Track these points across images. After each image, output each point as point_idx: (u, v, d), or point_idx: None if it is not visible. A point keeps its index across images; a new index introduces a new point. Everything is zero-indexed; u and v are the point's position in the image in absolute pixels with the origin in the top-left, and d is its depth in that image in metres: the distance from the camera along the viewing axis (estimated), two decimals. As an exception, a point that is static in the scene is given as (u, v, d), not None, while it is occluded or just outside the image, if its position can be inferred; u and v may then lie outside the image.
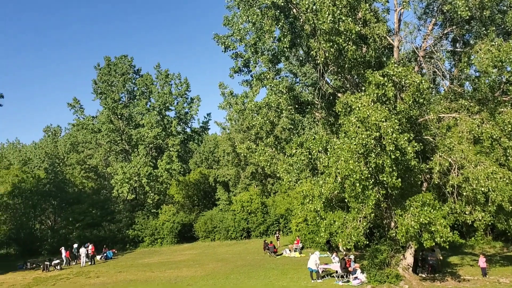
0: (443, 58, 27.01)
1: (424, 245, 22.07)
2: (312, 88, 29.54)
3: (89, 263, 44.05)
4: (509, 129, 22.96)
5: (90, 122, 62.86)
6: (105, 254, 47.67)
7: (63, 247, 46.36)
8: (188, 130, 70.09)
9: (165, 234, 56.18)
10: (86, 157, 72.35)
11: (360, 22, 23.80)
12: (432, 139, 24.45)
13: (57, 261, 42.77)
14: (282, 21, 25.03)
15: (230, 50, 29.15)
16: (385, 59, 25.89)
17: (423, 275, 27.33)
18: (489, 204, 21.90)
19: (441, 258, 28.96)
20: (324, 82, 27.09)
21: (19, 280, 37.22)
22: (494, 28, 24.18)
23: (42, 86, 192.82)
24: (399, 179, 20.69)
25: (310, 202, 24.34)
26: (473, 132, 23.07)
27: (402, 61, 26.12)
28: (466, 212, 22.98)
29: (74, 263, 45.33)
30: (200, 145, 69.93)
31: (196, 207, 63.02)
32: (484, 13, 23.41)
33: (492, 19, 25.03)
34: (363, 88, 23.34)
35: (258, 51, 27.84)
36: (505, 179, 21.27)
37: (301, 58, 29.94)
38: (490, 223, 23.73)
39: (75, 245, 47.53)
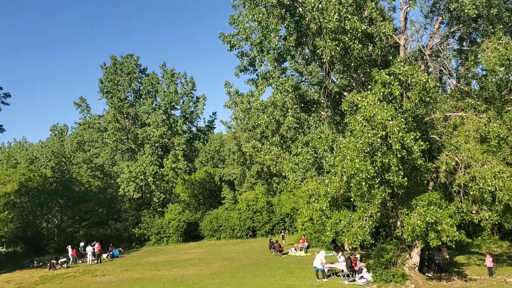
0: (449, 56, 26.87)
1: (430, 244, 21.98)
2: (318, 87, 29.49)
3: (96, 261, 44.25)
4: (516, 127, 22.83)
5: (96, 121, 63.05)
6: (111, 253, 47.90)
7: (69, 246, 46.61)
8: (193, 129, 70.16)
9: (171, 232, 56.34)
10: (92, 156, 72.69)
11: (366, 21, 23.72)
12: (438, 138, 24.34)
13: (64, 259, 42.99)
14: (288, 19, 24.98)
15: (235, 49, 29.20)
16: (391, 57, 25.79)
17: (429, 275, 27.22)
18: (496, 203, 21.80)
19: (447, 257, 28.83)
20: (330, 80, 27.03)
21: (26, 278, 37.47)
22: (501, 26, 24.00)
23: (48, 85, 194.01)
24: (405, 178, 20.61)
25: (316, 201, 24.32)
26: (480, 131, 22.96)
27: (408, 60, 26.01)
28: (473, 211, 22.88)
29: (80, 262, 45.53)
30: (206, 144, 70.00)
31: (201, 206, 63.14)
32: (491, 11, 23.25)
33: (500, 17, 24.85)
34: (369, 86, 23.27)
35: (264, 50, 27.83)
36: (512, 178, 21.15)
37: (307, 57, 29.88)
38: (497, 223, 23.62)
39: (82, 244, 47.74)
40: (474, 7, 21.87)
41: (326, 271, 28.44)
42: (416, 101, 21.71)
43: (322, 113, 28.89)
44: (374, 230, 23.64)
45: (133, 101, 65.05)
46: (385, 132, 20.17)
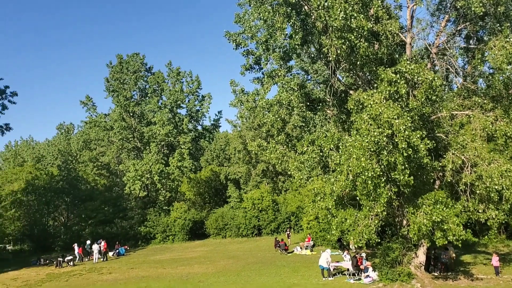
0: (456, 55, 26.73)
1: (437, 243, 21.89)
2: (324, 85, 29.42)
3: (102, 259, 44.45)
4: (524, 126, 22.66)
5: (102, 119, 63.28)
6: (117, 251, 48.11)
7: (76, 244, 46.85)
8: (199, 127, 70.28)
9: (176, 231, 56.52)
10: (98, 154, 72.98)
11: (372, 19, 23.64)
12: (445, 137, 24.24)
13: (70, 257, 43.23)
14: (294, 18, 24.95)
15: (241, 48, 29.12)
16: (397, 56, 25.71)
17: (436, 274, 27.11)
18: (503, 202, 21.68)
19: (454, 256, 28.70)
20: (336, 79, 26.97)
21: (33, 276, 37.70)
22: (508, 24, 23.81)
23: (55, 84, 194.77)
24: (411, 177, 20.55)
25: (322, 199, 24.27)
26: (486, 129, 22.83)
27: (414, 58, 25.92)
28: (479, 210, 22.78)
29: (86, 260, 45.79)
30: (211, 143, 70.09)
31: (207, 204, 63.27)
32: (499, 9, 23.11)
33: (507, 15, 24.66)
34: (375, 85, 23.19)
35: (270, 48, 27.78)
36: (519, 177, 21.02)
37: (312, 55, 29.82)
38: (503, 222, 23.48)
39: (88, 242, 47.98)
40: (481, 4, 21.75)
41: (331, 269, 28.40)
42: (423, 99, 21.63)
43: (328, 111, 28.84)
44: (380, 229, 23.59)
45: (139, 100, 65.19)
46: (391, 130, 20.12)
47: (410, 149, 20.08)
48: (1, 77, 46.79)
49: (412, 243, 25.35)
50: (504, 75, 23.11)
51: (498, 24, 24.61)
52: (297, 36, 25.02)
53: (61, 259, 42.29)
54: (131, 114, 62.99)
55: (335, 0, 21.61)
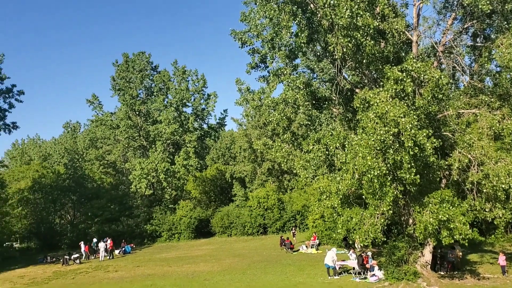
0: (463, 53, 26.60)
1: (443, 242, 21.81)
2: (330, 84, 29.34)
3: (108, 257, 44.63)
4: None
5: (108, 118, 63.50)
6: (123, 249, 48.27)
7: (82, 242, 47.07)
8: (205, 126, 70.35)
9: (182, 229, 56.63)
10: (104, 152, 73.27)
11: (378, 17, 23.58)
12: (451, 135, 24.14)
13: (77, 255, 43.44)
14: (300, 16, 24.89)
15: (247, 46, 29.07)
16: (403, 54, 25.60)
17: (442, 273, 27.02)
18: (510, 201, 21.62)
19: (460, 255, 28.58)
20: (341, 77, 26.90)
21: (40, 274, 37.92)
22: (516, 22, 23.73)
23: (61, 83, 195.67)
24: (418, 176, 20.49)
25: (327, 198, 24.26)
26: (493, 128, 22.72)
27: (421, 56, 25.81)
28: (486, 209, 22.70)
29: (93, 257, 45.99)
30: (217, 141, 70.14)
31: (212, 202, 63.34)
32: (506, 7, 23.00)
33: (515, 13, 24.53)
34: (381, 83, 23.12)
35: (275, 46, 27.72)
36: (526, 176, 20.90)
37: (318, 54, 29.75)
38: (510, 221, 23.38)
39: (94, 240, 48.19)
40: (488, 2, 21.65)
41: (337, 268, 28.36)
42: (429, 98, 21.55)
43: (334, 110, 28.77)
44: (385, 227, 23.52)
45: (145, 99, 65.33)
46: (398, 129, 20.06)
47: (416, 148, 20.01)
48: (8, 76, 47.01)
49: (418, 242, 25.28)
50: (511, 73, 22.98)
51: (506, 22, 24.47)
52: (303, 35, 24.99)
53: (67, 257, 42.49)
54: (137, 113, 63.17)
55: (341, -2, 21.55)
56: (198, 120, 67.12)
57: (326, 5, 22.56)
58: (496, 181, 21.17)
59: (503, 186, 21.02)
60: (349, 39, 22.31)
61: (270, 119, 28.58)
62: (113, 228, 56.84)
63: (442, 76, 21.38)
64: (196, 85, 66.17)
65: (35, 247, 59.78)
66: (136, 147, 65.67)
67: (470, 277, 25.98)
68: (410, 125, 19.89)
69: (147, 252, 48.23)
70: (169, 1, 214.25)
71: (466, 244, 21.56)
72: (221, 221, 55.84)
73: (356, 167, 21.20)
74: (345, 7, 21.32)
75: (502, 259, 26.06)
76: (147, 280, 31.28)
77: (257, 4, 27.12)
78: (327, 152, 25.83)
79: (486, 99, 24.53)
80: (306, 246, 39.93)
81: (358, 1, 21.43)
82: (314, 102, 28.00)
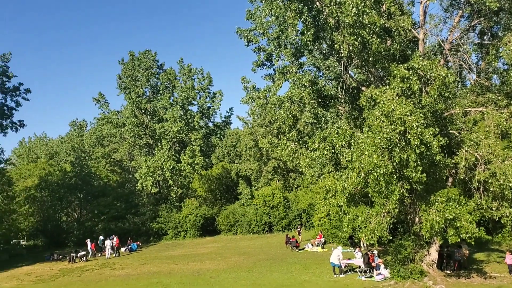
0: (469, 51, 26.44)
1: (449, 241, 21.73)
2: (336, 82, 29.27)
3: (114, 255, 44.82)
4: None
5: (114, 116, 63.70)
6: (129, 246, 48.50)
7: (88, 239, 47.32)
8: (210, 124, 70.37)
9: (188, 227, 56.79)
10: (111, 151, 73.52)
11: (385, 15, 23.48)
12: (458, 134, 24.02)
13: (83, 252, 43.66)
14: (305, 14, 24.81)
15: (252, 44, 29.05)
16: (410, 52, 25.47)
17: (448, 271, 26.92)
18: (517, 200, 21.44)
19: (467, 254, 28.43)
20: (347, 75, 26.83)
21: (46, 271, 38.15)
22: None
23: (68, 81, 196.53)
24: (424, 174, 20.40)
25: (333, 197, 24.20)
26: (500, 126, 22.58)
27: (427, 54, 25.67)
28: (493, 208, 22.58)
29: (99, 255, 46.19)
30: (222, 140, 70.20)
31: (218, 201, 63.45)
32: (514, 4, 22.83)
33: (523, 11, 24.36)
34: (387, 81, 23.02)
35: (281, 44, 27.67)
36: (533, 174, 20.76)
37: (324, 52, 29.67)
38: (517, 219, 23.21)
39: (101, 237, 48.41)
40: (496, 0, 21.46)
41: (343, 267, 28.31)
42: (435, 96, 21.45)
43: (340, 108, 28.71)
44: (391, 226, 23.47)
45: (151, 97, 65.45)
46: (404, 127, 19.98)
47: (423, 146, 19.94)
48: (15, 74, 47.24)
49: (424, 240, 25.18)
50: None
51: (513, 20, 24.31)
52: (308, 33, 24.91)
53: (74, 254, 42.72)
54: (143, 111, 63.34)
55: (347, -4, 21.47)
56: (203, 118, 67.17)
57: (332, 3, 22.49)
58: (503, 179, 21.04)
59: (510, 184, 20.87)
60: (355, 37, 22.24)
61: (276, 117, 28.56)
62: (119, 225, 57.10)
63: (449, 74, 21.28)
64: (201, 84, 66.21)
65: (42, 244, 60.16)
66: (142, 145, 65.86)
67: (476, 276, 25.88)
68: (417, 123, 19.80)
69: (153, 250, 48.40)
70: (176, 0, 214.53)
71: (473, 242, 21.47)
72: (227, 219, 55.93)
73: (362, 165, 21.14)
74: (351, 5, 21.25)
75: (509, 258, 25.92)
76: (153, 277, 31.39)
77: (263, 2, 27.08)
78: (333, 151, 25.77)
79: (493, 97, 24.39)
80: (312, 245, 39.91)
81: (364, -1, 21.35)
82: (320, 100, 27.94)
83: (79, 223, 62.85)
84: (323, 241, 39.98)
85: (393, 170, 20.54)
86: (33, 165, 68.90)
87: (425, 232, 21.67)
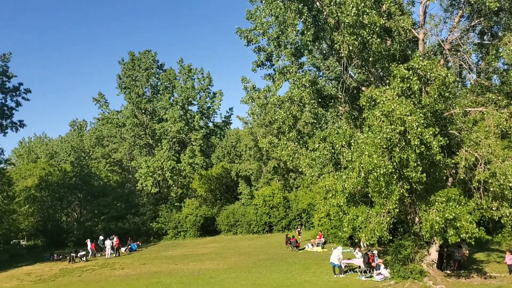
0: (469, 51, 26.43)
1: (449, 241, 21.73)
2: (336, 82, 29.27)
3: (114, 255, 44.83)
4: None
5: (114, 116, 63.70)
6: (129, 246, 48.50)
7: (88, 239, 47.32)
8: (210, 124, 70.38)
9: (188, 227, 56.80)
10: (111, 151, 73.54)
11: (385, 15, 23.48)
12: (458, 134, 24.02)
13: (83, 252, 43.67)
14: (305, 14, 24.80)
15: (252, 44, 29.05)
16: (410, 52, 25.47)
17: (448, 271, 26.92)
18: (517, 200, 21.43)
19: (467, 254, 28.43)
20: (347, 75, 26.82)
21: (46, 271, 38.16)
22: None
23: (68, 81, 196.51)
24: (424, 174, 20.40)
25: (333, 197, 24.20)
26: (500, 126, 22.58)
27: (427, 54, 25.67)
28: (493, 208, 22.58)
29: (99, 255, 46.20)
30: (222, 140, 70.21)
31: (218, 201, 63.46)
32: (514, 4, 22.82)
33: (523, 11, 24.34)
34: (387, 81, 23.01)
35: (281, 44, 27.67)
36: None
37: (324, 52, 29.66)
38: (517, 219, 23.20)
39: (101, 237, 48.41)
40: (496, 0, 21.46)
41: (343, 267, 28.31)
42: (435, 96, 21.46)
43: (340, 108, 28.71)
44: (391, 226, 23.47)
45: (151, 97, 65.47)
46: (404, 127, 19.98)
47: (423, 146, 19.94)
48: (15, 74, 47.24)
49: (424, 240, 25.18)
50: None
51: (513, 20, 24.30)
52: (308, 33, 24.90)
53: (74, 254, 42.72)
54: (143, 111, 63.35)
55: (347, -4, 21.46)
56: (203, 118, 67.17)
57: (332, 3, 22.49)
58: (503, 179, 21.04)
59: (510, 184, 20.87)
60: (355, 37, 22.24)
61: (276, 117, 28.55)
62: (119, 225, 57.10)
63: (449, 74, 21.27)
64: (201, 84, 66.20)
65: (42, 244, 60.17)
66: (142, 145, 65.88)
67: (476, 276, 25.88)
68: (417, 123, 19.80)
69: (153, 250, 48.40)
70: (175, 0, 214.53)
71: (473, 242, 21.47)
72: (227, 219, 55.93)
73: (362, 165, 21.14)
74: (351, 5, 21.25)
75: (509, 258, 25.92)
76: (153, 277, 31.39)
77: (263, 2, 27.08)
78: (333, 151, 25.77)
79: (493, 97, 24.39)
80: (312, 245, 39.91)
81: (364, -2, 21.34)
82: (320, 100, 27.94)
83: (79, 223, 62.85)
84: (323, 241, 39.98)
85: (393, 170, 20.54)
86: (33, 165, 68.90)
87: (425, 232, 21.67)
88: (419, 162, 20.22)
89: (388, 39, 24.49)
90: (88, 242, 46.42)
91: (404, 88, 21.28)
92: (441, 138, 20.50)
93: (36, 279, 34.62)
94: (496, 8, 22.08)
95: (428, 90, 21.92)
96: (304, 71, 28.59)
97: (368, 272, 27.26)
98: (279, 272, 29.99)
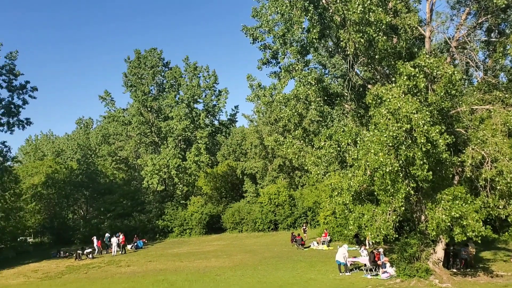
0: (476, 48, 26.28)
1: (455, 239, 21.64)
2: (342, 80, 29.21)
3: (120, 252, 45.01)
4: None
5: (120, 114, 63.86)
6: (135, 244, 48.67)
7: (95, 237, 47.50)
8: (216, 122, 70.40)
9: (193, 225, 56.89)
10: (117, 148, 73.81)
11: (391, 12, 23.39)
12: (464, 132, 23.89)
13: (89, 250, 43.87)
14: (311, 11, 24.72)
15: (258, 42, 29.02)
16: (416, 50, 25.37)
17: (454, 270, 26.83)
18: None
19: (473, 252, 28.30)
20: (353, 73, 26.73)
21: (53, 268, 38.39)
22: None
23: (74, 80, 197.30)
24: (430, 172, 20.31)
25: (339, 195, 24.11)
26: (507, 124, 22.43)
27: (433, 52, 25.58)
28: (500, 206, 22.43)
29: (105, 252, 46.42)
30: (228, 138, 70.27)
31: (223, 199, 63.55)
32: (522, 1, 22.67)
33: (530, 8, 24.19)
34: (393, 79, 22.93)
35: (287, 42, 27.60)
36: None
37: (330, 49, 29.60)
38: (525, 218, 23.07)
39: (107, 235, 48.59)
40: (503, -4, 21.33)
41: (348, 265, 28.30)
42: (442, 94, 21.34)
43: (346, 106, 28.63)
44: (397, 224, 23.39)
45: (157, 95, 65.59)
46: (410, 125, 19.90)
47: (429, 144, 19.85)
48: (22, 72, 47.39)
49: (431, 239, 25.09)
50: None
51: (521, 17, 24.15)
52: (314, 30, 24.84)
53: (80, 251, 42.95)
54: (149, 109, 63.49)
55: (353, -6, 21.39)
56: (209, 116, 67.20)
57: (338, 1, 22.43)
58: (510, 178, 20.91)
59: (517, 183, 20.77)
60: (361, 34, 22.17)
61: (281, 115, 28.52)
62: (126, 223, 57.29)
63: (455, 72, 21.15)
64: (207, 81, 66.21)
65: (48, 241, 60.55)
66: (148, 143, 66.06)
67: (483, 274, 25.78)
68: (423, 121, 19.71)
69: (159, 247, 48.55)
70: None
71: (479, 241, 21.37)
72: (232, 217, 55.99)
73: (368, 163, 21.09)
74: (357, 2, 21.19)
75: (515, 257, 25.82)
76: (159, 275, 31.50)
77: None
78: (338, 149, 25.71)
79: (500, 95, 24.23)
80: (317, 243, 39.89)
81: (370, -4, 21.25)
82: (325, 98, 27.88)
83: (85, 220, 63.15)
84: (329, 239, 39.94)
85: (399, 168, 20.47)
86: (39, 163, 69.26)
87: (431, 230, 21.59)
88: (425, 160, 20.14)
89: (394, 36, 24.40)
90: (94, 239, 46.62)
91: (410, 86, 21.19)
92: (447, 136, 20.40)
93: (42, 276, 34.84)
94: (503, 5, 21.98)
95: (434, 88, 21.81)
96: (310, 69, 28.51)
97: (373, 270, 27.22)
98: (284, 270, 30.00)
